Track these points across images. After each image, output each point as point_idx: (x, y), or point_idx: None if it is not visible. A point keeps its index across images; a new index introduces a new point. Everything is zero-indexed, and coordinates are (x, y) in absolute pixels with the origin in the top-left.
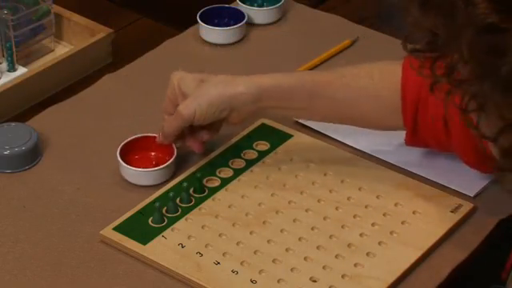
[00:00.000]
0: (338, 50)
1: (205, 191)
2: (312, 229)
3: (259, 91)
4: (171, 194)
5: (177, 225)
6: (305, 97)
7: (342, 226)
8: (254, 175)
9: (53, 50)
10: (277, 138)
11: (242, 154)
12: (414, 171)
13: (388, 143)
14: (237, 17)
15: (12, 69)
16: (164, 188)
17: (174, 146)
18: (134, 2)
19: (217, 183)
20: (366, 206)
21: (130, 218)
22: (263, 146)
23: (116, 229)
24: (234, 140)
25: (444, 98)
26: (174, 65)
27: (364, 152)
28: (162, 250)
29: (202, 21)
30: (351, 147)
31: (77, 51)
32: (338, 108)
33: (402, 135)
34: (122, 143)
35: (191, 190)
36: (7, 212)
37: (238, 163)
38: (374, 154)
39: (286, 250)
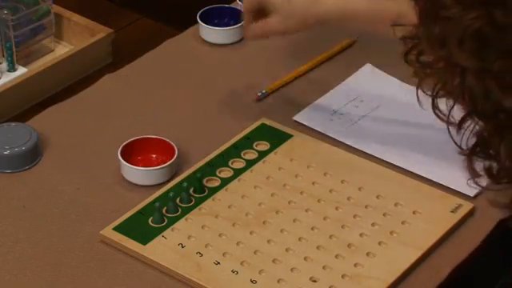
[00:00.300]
0: (338, 50)
1: (205, 191)
2: (312, 229)
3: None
4: (171, 194)
5: (177, 225)
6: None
7: (342, 226)
8: (254, 175)
9: (53, 50)
10: (277, 138)
11: (242, 154)
12: (414, 171)
13: (388, 143)
14: (237, 17)
15: (12, 69)
16: (164, 188)
17: (174, 146)
18: (134, 2)
19: (217, 183)
20: (365, 206)
21: (129, 218)
22: (263, 146)
23: (116, 229)
24: (233, 140)
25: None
26: (174, 65)
27: (364, 152)
28: (162, 250)
29: (202, 21)
30: (351, 147)
31: (77, 51)
32: None
33: (401, 135)
34: (123, 144)
35: (191, 190)
36: (7, 212)
37: (238, 163)
38: (374, 154)
39: (286, 250)
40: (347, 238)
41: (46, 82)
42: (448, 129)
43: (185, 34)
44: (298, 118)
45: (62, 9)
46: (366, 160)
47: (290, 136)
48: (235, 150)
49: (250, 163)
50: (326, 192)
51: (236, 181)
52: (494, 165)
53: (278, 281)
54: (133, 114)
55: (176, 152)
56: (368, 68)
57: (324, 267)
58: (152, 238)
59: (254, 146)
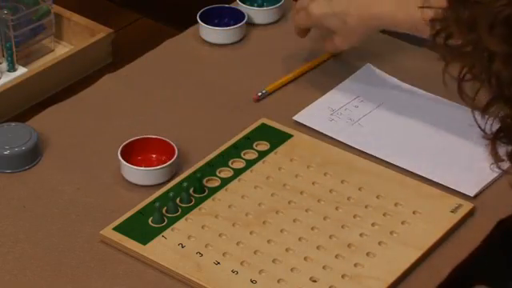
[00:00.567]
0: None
1: (205, 191)
2: (312, 229)
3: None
4: (171, 194)
5: (177, 225)
6: None
7: (342, 226)
8: (254, 175)
9: (53, 50)
10: (277, 137)
11: (242, 154)
12: (414, 171)
13: (388, 143)
14: (237, 17)
15: (12, 69)
16: (164, 188)
17: (174, 146)
18: (134, 2)
19: (217, 183)
20: (366, 206)
21: (130, 218)
22: (263, 145)
23: (116, 229)
24: (233, 140)
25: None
26: (174, 65)
27: (364, 152)
28: (162, 250)
29: (202, 21)
30: (351, 147)
31: (77, 51)
32: None
33: (401, 135)
34: (123, 144)
35: (191, 190)
36: (7, 212)
37: (238, 163)
38: (374, 154)
39: (286, 250)
40: (347, 238)
41: (46, 82)
42: (473, 113)
43: (185, 34)
44: (298, 118)
45: (62, 9)
46: (366, 160)
47: (290, 136)
48: (235, 150)
49: (250, 163)
50: (326, 192)
51: (236, 181)
52: None
53: (278, 281)
54: (133, 114)
55: (176, 152)
56: (368, 68)
57: (324, 267)
58: (152, 238)
59: (254, 146)
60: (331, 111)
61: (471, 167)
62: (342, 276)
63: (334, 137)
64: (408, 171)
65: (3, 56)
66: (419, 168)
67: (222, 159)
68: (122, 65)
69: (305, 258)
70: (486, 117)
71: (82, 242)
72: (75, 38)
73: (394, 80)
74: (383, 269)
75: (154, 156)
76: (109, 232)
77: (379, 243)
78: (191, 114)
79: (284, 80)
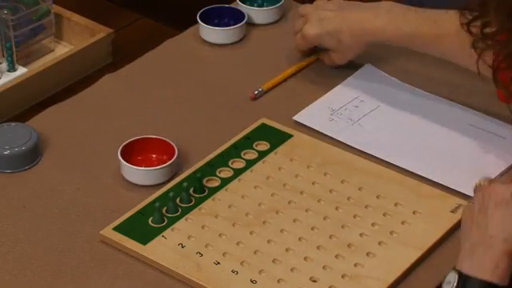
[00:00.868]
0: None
1: (205, 191)
2: (312, 229)
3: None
4: (171, 194)
5: (177, 225)
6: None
7: (342, 226)
8: (254, 175)
9: (53, 50)
10: (277, 137)
11: (242, 154)
12: (414, 171)
13: (388, 143)
14: (237, 17)
15: (12, 69)
16: (164, 188)
17: (174, 146)
18: (134, 2)
19: (217, 183)
20: (366, 206)
21: (130, 218)
22: (263, 145)
23: (116, 229)
24: (233, 140)
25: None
26: (174, 65)
27: (364, 152)
28: (162, 250)
29: (202, 21)
30: (351, 147)
31: (77, 51)
32: None
33: (401, 135)
34: (123, 144)
35: (191, 190)
36: (7, 212)
37: (238, 163)
38: (374, 154)
39: (286, 250)
40: (347, 238)
41: (46, 82)
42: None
43: (185, 34)
44: (298, 117)
45: (62, 9)
46: (366, 160)
47: (290, 136)
48: (235, 150)
49: (250, 163)
50: (326, 192)
51: (236, 181)
52: None
53: (278, 281)
54: (133, 114)
55: (176, 152)
56: (368, 68)
57: (324, 267)
58: (152, 238)
59: (254, 145)
60: (331, 111)
61: (471, 167)
62: (342, 276)
63: (334, 137)
64: (408, 171)
65: (3, 56)
66: (419, 168)
67: (222, 159)
68: (122, 65)
69: (305, 258)
70: None
71: (81, 241)
72: (75, 38)
73: (394, 80)
74: (383, 269)
75: (154, 156)
76: (109, 232)
77: (379, 243)
78: (191, 114)
79: (280, 78)
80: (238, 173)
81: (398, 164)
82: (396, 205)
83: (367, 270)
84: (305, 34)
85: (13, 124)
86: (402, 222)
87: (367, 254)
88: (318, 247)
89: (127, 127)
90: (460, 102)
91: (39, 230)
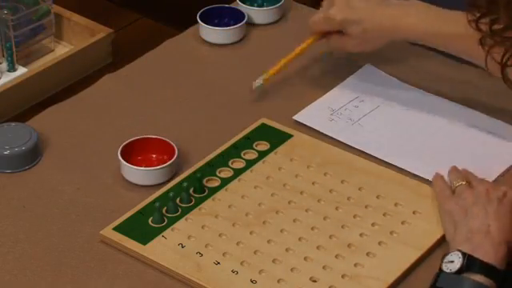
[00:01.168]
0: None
1: (205, 191)
2: (312, 229)
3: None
4: (171, 194)
5: (177, 225)
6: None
7: (342, 226)
8: (254, 175)
9: (53, 50)
10: (277, 137)
11: (242, 154)
12: (414, 171)
13: (388, 143)
14: (237, 17)
15: (12, 69)
16: (164, 188)
17: (174, 146)
18: (134, 2)
19: (217, 183)
20: (366, 206)
21: (130, 218)
22: (263, 145)
23: (116, 229)
24: (233, 140)
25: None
26: (174, 65)
27: (364, 152)
28: (162, 250)
29: (202, 21)
30: (351, 147)
31: (77, 51)
32: None
33: (401, 135)
34: (123, 144)
35: (191, 190)
36: (7, 212)
37: (238, 163)
38: (374, 154)
39: (286, 250)
40: (347, 238)
41: (46, 82)
42: None
43: (185, 33)
44: (298, 117)
45: (62, 9)
46: (366, 160)
47: (290, 136)
48: (235, 150)
49: (250, 163)
50: (326, 192)
51: (236, 181)
52: None
53: (278, 281)
54: (133, 114)
55: (176, 152)
56: (368, 68)
57: (324, 267)
58: (152, 238)
59: (254, 145)
60: (331, 111)
61: (471, 167)
62: (342, 276)
63: (334, 137)
64: (408, 171)
65: (3, 56)
66: (419, 168)
67: (222, 159)
68: (122, 65)
69: (305, 258)
70: None
71: (82, 241)
72: (75, 37)
73: (394, 80)
74: (383, 269)
75: (154, 156)
76: (109, 232)
77: (379, 243)
78: (191, 114)
79: (277, 68)
80: (238, 173)
81: (397, 164)
82: (396, 205)
83: (367, 270)
84: (330, 16)
85: (13, 124)
86: (402, 222)
87: (367, 253)
88: (317, 247)
89: (127, 127)
90: (460, 101)
91: (39, 230)
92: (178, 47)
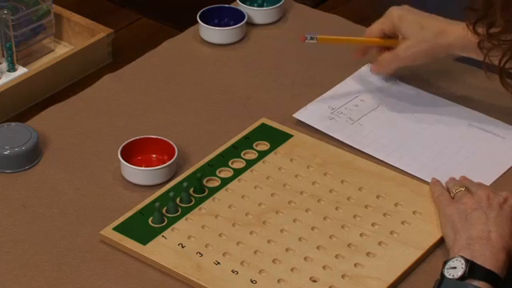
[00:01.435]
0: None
1: (205, 191)
2: (312, 229)
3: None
4: (171, 194)
5: (177, 225)
6: None
7: (342, 226)
8: (254, 175)
9: (53, 50)
10: (277, 137)
11: (242, 154)
12: (414, 172)
13: (388, 143)
14: (237, 17)
15: (12, 69)
16: (164, 188)
17: (174, 146)
18: (134, 1)
19: (217, 183)
20: (365, 206)
21: (130, 218)
22: (263, 146)
23: (116, 229)
24: (233, 140)
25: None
26: (174, 65)
27: (364, 152)
28: (162, 250)
29: (202, 21)
30: (351, 147)
31: (77, 51)
32: None
33: (401, 135)
34: (123, 144)
35: (191, 190)
36: (7, 212)
37: (238, 163)
38: (374, 154)
39: (286, 250)
40: (347, 238)
41: (45, 82)
42: None
43: (185, 33)
44: (297, 115)
45: (62, 9)
46: (366, 160)
47: (290, 136)
48: (235, 150)
49: (250, 163)
50: (326, 192)
51: (236, 181)
52: None
53: (278, 281)
54: (133, 114)
55: (176, 152)
56: (368, 68)
57: (324, 267)
58: (152, 238)
59: (254, 146)
60: (331, 110)
61: (471, 167)
62: (342, 276)
63: (333, 135)
64: (408, 171)
65: (3, 56)
66: (419, 168)
67: (222, 159)
68: (122, 65)
69: (305, 258)
70: None
71: (82, 242)
72: (75, 38)
73: (394, 80)
74: (383, 269)
75: (154, 156)
76: (109, 232)
77: (379, 243)
78: (191, 114)
79: (332, 38)
80: (238, 173)
81: (397, 164)
82: (396, 205)
83: (367, 270)
84: (400, 55)
85: (13, 124)
86: (402, 222)
87: (367, 253)
88: (317, 247)
89: (127, 127)
90: (460, 101)
91: (39, 230)
92: (177, 47)
